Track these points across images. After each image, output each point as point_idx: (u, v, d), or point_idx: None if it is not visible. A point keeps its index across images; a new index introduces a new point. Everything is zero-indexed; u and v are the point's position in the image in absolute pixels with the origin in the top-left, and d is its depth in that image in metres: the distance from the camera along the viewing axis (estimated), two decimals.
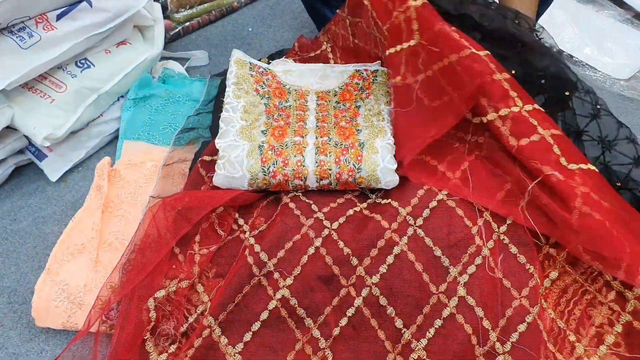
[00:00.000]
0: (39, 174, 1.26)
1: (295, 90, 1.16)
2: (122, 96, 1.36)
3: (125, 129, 1.27)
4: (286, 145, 1.01)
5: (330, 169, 0.98)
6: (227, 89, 1.11)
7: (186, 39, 1.68)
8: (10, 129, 1.19)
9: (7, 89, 1.11)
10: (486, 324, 0.87)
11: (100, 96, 1.26)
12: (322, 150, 1.00)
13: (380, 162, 0.98)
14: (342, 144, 1.02)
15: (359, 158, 0.99)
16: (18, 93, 1.18)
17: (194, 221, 0.96)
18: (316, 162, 0.98)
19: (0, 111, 1.12)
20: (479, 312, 0.87)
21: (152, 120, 1.29)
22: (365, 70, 1.19)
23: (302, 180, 0.98)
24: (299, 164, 0.98)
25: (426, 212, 0.95)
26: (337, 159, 0.98)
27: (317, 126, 1.07)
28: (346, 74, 1.19)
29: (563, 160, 0.91)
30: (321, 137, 1.03)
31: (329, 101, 1.14)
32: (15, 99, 1.17)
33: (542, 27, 1.08)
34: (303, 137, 1.03)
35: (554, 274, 0.93)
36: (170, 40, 1.64)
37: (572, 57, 1.58)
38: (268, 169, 0.98)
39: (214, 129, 1.20)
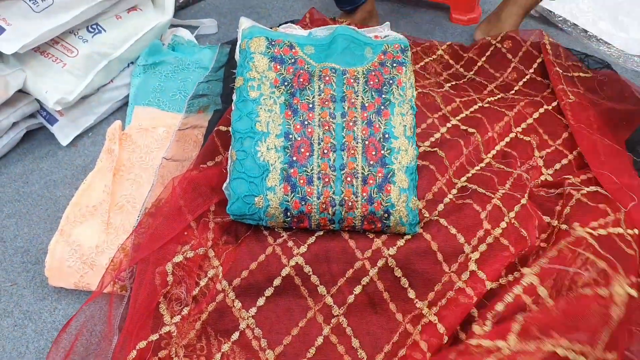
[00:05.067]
0: (49, 138, 1.27)
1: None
2: (132, 62, 1.36)
3: (135, 94, 1.28)
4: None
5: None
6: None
7: (195, 7, 1.68)
8: (22, 92, 1.19)
9: (19, 52, 1.11)
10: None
11: (110, 62, 1.26)
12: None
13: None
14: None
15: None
16: (30, 57, 1.18)
17: (214, 199, 0.97)
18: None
19: (13, 74, 1.12)
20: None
21: (162, 86, 1.29)
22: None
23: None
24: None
25: (440, 207, 0.99)
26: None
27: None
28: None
29: None
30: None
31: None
32: (28, 62, 1.17)
33: None
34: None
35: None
36: (180, 8, 1.64)
37: (586, 31, 1.56)
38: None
39: (225, 97, 1.20)
